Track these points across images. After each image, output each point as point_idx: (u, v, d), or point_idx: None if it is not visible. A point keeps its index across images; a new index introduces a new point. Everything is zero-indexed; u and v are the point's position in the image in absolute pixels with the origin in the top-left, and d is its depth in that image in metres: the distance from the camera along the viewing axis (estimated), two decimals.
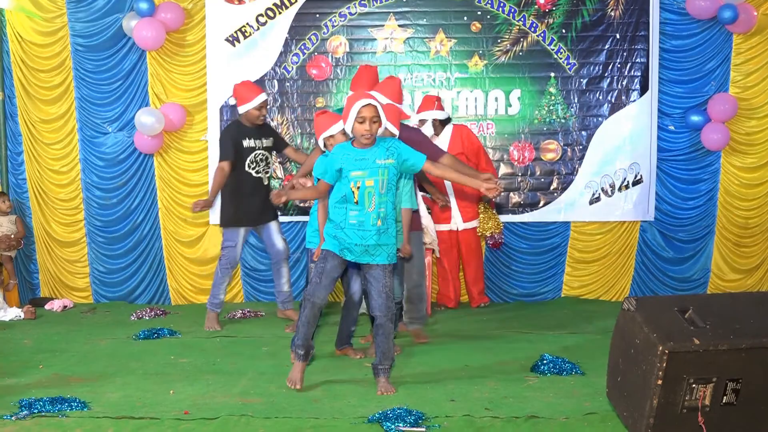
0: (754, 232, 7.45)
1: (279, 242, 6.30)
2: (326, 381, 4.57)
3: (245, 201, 6.09)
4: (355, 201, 4.26)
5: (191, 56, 7.21)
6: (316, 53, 7.21)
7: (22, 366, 4.94)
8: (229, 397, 4.23)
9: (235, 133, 6.05)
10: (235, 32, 7.13)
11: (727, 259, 7.48)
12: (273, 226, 6.30)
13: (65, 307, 7.09)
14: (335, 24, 7.20)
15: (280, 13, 7.15)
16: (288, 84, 7.23)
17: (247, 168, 6.05)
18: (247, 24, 7.13)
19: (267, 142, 6.17)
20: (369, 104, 4.23)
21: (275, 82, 7.20)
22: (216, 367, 4.96)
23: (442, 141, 6.69)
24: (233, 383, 4.54)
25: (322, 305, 4.39)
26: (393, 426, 3.62)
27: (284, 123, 7.22)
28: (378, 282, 4.32)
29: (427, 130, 6.65)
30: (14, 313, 6.58)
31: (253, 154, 6.06)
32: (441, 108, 6.76)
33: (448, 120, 6.81)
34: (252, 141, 6.05)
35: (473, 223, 6.91)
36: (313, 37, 7.19)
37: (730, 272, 7.51)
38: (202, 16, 7.15)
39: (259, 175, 6.12)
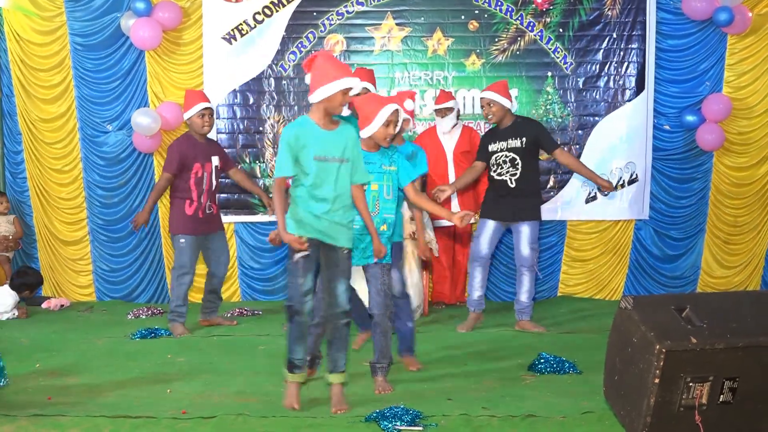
0: (743, 230, 7.51)
1: (525, 249, 5.91)
2: (323, 380, 4.56)
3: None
4: None
5: (188, 55, 7.21)
6: (313, 51, 7.21)
7: (19, 365, 4.93)
8: (226, 397, 4.23)
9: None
10: (232, 30, 7.13)
11: (716, 257, 7.53)
12: (524, 230, 5.89)
13: (62, 305, 7.08)
14: (332, 22, 7.20)
15: (277, 11, 7.15)
16: (285, 82, 7.23)
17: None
18: (244, 22, 7.13)
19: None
20: (397, 109, 4.30)
21: (272, 80, 7.20)
22: (213, 366, 4.96)
23: (454, 136, 6.79)
24: (230, 382, 4.54)
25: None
26: (390, 425, 3.62)
27: (281, 121, 7.22)
28: (376, 280, 4.36)
29: (451, 120, 6.75)
30: (10, 311, 6.57)
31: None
32: None
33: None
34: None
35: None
36: (310, 36, 7.19)
37: (718, 269, 7.56)
38: (199, 14, 7.15)
39: None
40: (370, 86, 5.78)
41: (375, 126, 4.26)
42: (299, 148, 3.87)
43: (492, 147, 5.87)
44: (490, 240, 5.93)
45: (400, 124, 4.39)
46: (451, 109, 6.74)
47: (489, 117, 5.85)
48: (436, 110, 6.79)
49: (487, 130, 6.18)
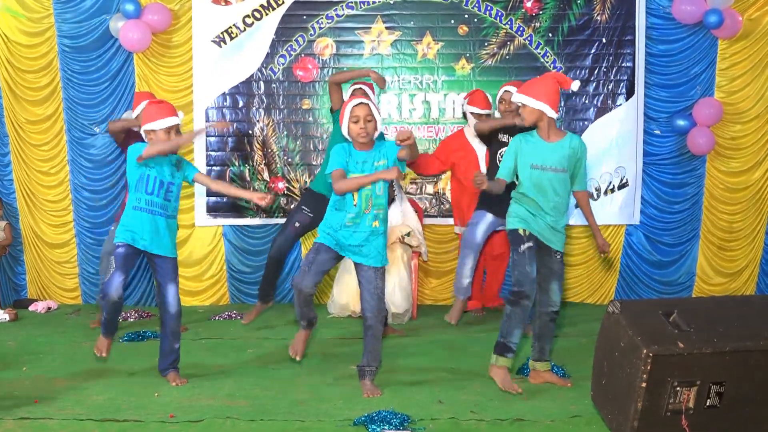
0: (739, 236, 7.48)
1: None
2: (312, 383, 4.57)
3: None
4: (354, 203, 4.28)
5: (178, 57, 7.18)
6: (302, 55, 7.20)
7: (6, 368, 4.91)
8: (214, 400, 4.22)
9: None
10: (222, 33, 7.11)
11: (711, 263, 7.51)
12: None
13: (49, 308, 7.04)
14: (322, 26, 7.19)
15: (266, 14, 7.14)
16: (274, 85, 7.21)
17: None
18: (234, 25, 7.11)
19: None
20: (361, 103, 4.26)
21: (261, 83, 7.19)
22: (201, 369, 4.94)
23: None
24: (218, 386, 4.53)
25: (309, 293, 4.33)
26: (378, 428, 3.63)
27: (270, 124, 7.20)
28: (370, 284, 4.34)
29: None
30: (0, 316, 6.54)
31: None
32: None
33: None
34: None
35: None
36: (300, 39, 7.19)
37: (715, 276, 7.53)
38: (188, 17, 7.12)
39: None
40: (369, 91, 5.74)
41: (344, 125, 4.29)
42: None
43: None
44: (486, 231, 5.88)
45: (377, 116, 4.32)
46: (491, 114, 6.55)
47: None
48: (478, 114, 6.39)
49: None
